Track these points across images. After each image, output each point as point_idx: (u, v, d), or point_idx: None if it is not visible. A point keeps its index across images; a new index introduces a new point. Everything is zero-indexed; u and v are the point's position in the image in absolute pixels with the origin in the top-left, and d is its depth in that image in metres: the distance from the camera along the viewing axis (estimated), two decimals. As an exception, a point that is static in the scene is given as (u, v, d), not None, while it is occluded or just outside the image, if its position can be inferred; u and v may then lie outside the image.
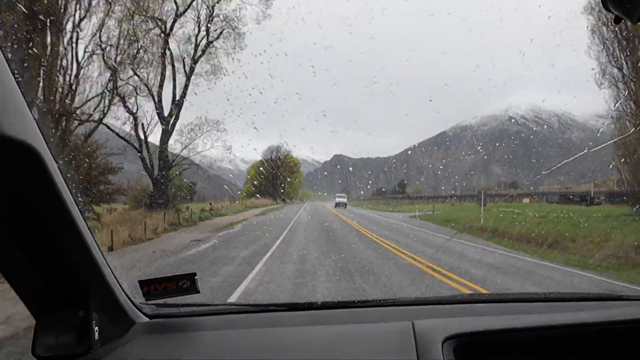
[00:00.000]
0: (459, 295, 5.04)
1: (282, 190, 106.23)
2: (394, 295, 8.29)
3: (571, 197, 47.74)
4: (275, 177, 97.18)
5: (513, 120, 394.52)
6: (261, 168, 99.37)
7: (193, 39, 27.29)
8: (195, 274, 1.77)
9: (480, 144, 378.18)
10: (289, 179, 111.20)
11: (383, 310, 2.03)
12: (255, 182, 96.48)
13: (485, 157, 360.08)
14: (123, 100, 24.95)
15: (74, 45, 21.50)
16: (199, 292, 1.79)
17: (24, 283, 1.30)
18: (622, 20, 1.14)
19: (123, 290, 1.64)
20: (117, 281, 1.58)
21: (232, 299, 8.25)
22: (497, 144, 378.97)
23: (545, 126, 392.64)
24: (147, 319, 1.77)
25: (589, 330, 1.68)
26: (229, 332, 1.72)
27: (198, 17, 27.96)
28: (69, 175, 1.10)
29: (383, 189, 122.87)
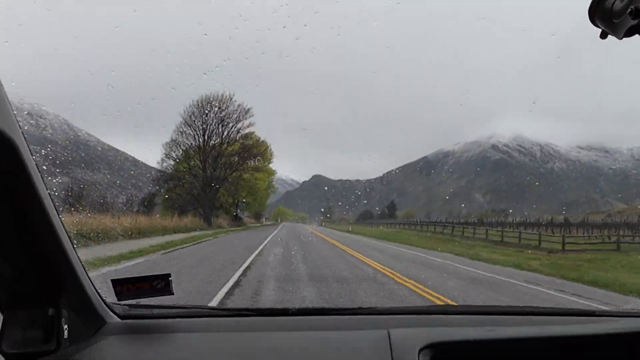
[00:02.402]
0: (434, 305, 4.27)
1: (232, 201, 49.85)
2: (370, 304, 7.20)
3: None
4: (211, 174, 41.93)
5: (496, 147, 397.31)
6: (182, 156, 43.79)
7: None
8: (169, 275, 1.75)
9: (463, 170, 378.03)
10: (245, 177, 44.63)
11: (358, 319, 2.00)
12: (177, 184, 42.59)
13: (468, 183, 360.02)
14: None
15: None
16: (172, 293, 1.76)
17: None
18: (608, 35, 1.13)
19: (95, 289, 1.62)
20: (90, 279, 1.56)
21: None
22: (480, 171, 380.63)
23: (528, 155, 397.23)
24: (118, 320, 1.75)
25: (564, 343, 1.73)
26: (201, 336, 1.70)
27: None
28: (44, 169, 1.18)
29: (370, 212, 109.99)
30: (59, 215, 1.22)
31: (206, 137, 42.91)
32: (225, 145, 43.03)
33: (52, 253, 1.27)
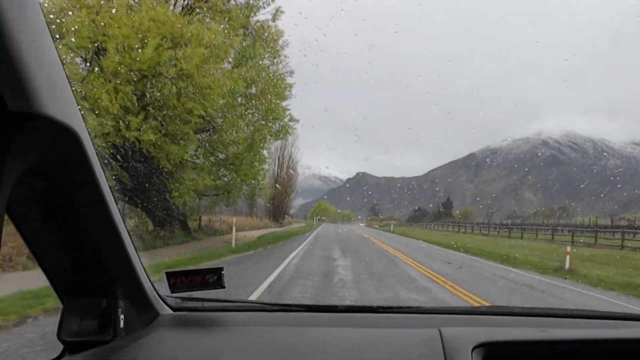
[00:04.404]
0: (484, 306, 3.95)
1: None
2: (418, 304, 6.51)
3: None
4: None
5: (546, 144, 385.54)
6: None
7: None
8: (222, 269, 1.78)
9: (512, 167, 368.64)
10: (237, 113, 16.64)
11: (407, 317, 1.98)
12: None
13: (517, 181, 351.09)
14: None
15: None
16: (224, 287, 1.78)
17: (54, 266, 1.32)
18: None
19: (150, 281, 1.66)
20: (145, 271, 1.60)
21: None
22: (529, 168, 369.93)
23: (580, 152, 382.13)
24: (171, 312, 1.80)
25: (620, 347, 1.66)
26: (252, 329, 1.73)
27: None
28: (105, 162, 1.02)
29: (424, 210, 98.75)
30: (117, 207, 1.26)
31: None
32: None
33: (110, 245, 1.31)
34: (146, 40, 13.08)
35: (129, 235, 1.38)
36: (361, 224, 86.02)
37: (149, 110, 14.97)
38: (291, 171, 55.00)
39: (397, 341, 1.59)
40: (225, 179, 20.13)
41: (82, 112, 0.99)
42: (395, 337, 1.63)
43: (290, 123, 20.74)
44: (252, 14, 18.01)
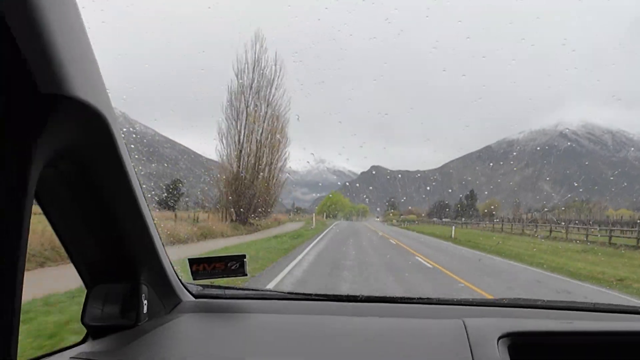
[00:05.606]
0: (507, 298, 3.13)
1: None
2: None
3: None
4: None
5: (564, 135, 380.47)
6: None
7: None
8: (244, 256, 1.77)
9: (529, 159, 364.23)
10: None
11: (429, 308, 1.97)
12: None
13: (534, 173, 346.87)
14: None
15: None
16: (246, 274, 1.78)
17: (80, 252, 1.33)
18: None
19: (173, 268, 1.67)
20: (168, 258, 1.60)
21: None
22: (547, 161, 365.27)
23: (599, 144, 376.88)
24: (192, 298, 1.81)
25: None
26: (272, 317, 1.73)
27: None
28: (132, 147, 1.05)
29: (445, 204, 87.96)
30: (143, 195, 1.26)
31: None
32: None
33: (136, 231, 1.32)
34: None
35: (154, 223, 1.39)
36: (377, 219, 79.90)
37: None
38: (278, 136, 29.14)
39: (420, 331, 1.59)
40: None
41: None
42: (418, 327, 1.63)
43: None
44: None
